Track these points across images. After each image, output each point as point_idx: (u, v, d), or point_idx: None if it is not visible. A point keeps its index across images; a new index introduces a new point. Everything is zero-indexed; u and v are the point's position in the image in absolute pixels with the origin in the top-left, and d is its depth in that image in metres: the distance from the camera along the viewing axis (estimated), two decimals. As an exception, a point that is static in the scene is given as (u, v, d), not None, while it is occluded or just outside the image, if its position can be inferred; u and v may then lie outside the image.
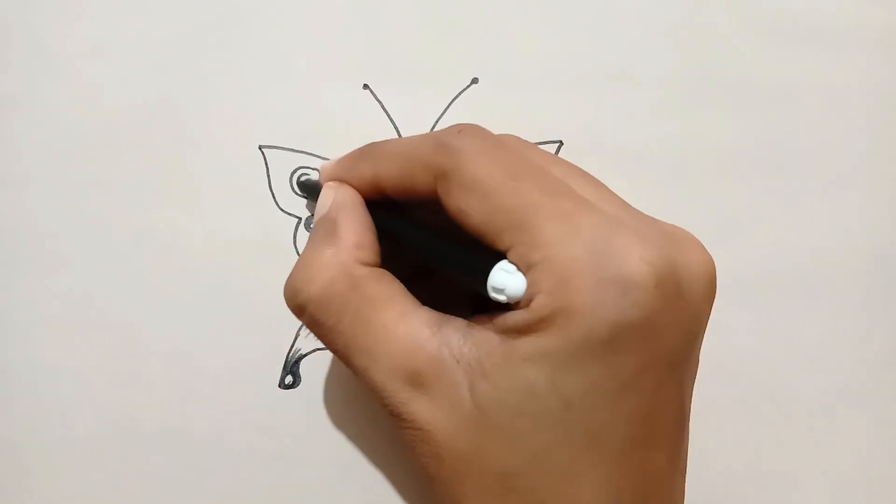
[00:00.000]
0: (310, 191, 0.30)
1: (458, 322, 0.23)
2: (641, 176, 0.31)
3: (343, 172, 0.26)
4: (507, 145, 0.24)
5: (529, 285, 0.21)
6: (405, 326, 0.22)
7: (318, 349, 0.31)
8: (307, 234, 0.31)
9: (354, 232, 0.24)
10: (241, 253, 0.31)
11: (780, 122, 0.31)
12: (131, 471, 0.31)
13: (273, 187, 0.31)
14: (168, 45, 0.30)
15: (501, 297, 0.21)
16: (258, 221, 0.31)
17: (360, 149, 0.27)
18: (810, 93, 0.31)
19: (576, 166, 0.25)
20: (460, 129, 0.24)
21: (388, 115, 0.31)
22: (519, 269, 0.21)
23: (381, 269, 0.24)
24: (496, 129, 0.31)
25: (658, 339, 0.21)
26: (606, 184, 0.31)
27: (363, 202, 0.26)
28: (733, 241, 0.32)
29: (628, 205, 0.24)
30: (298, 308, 0.24)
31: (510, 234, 0.21)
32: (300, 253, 0.31)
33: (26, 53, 0.30)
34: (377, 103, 0.31)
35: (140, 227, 0.31)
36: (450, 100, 0.31)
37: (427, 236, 0.24)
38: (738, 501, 0.31)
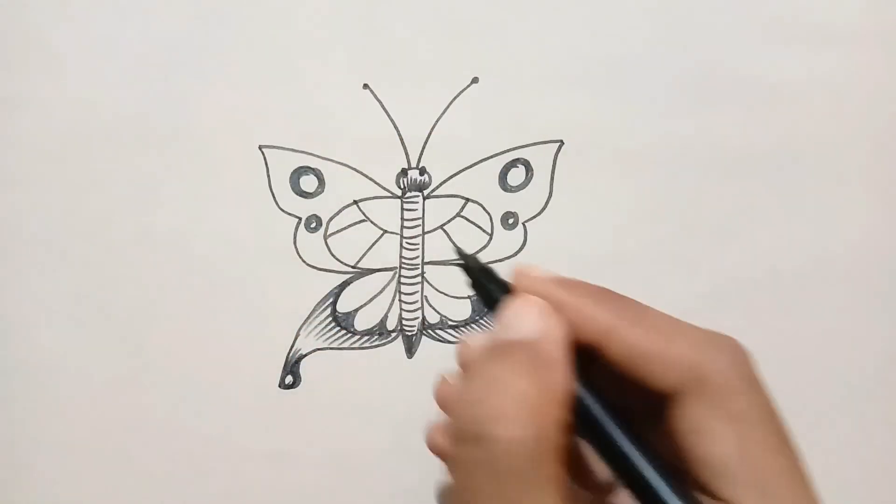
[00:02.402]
0: (472, 271, 0.23)
1: None
2: (642, 175, 0.31)
3: (565, 300, 0.21)
4: (769, 393, 0.21)
5: None
6: None
7: (319, 349, 0.31)
8: (307, 233, 0.31)
9: (565, 384, 0.20)
10: (241, 253, 0.31)
11: (782, 122, 0.31)
12: (131, 471, 0.31)
13: (273, 187, 0.31)
14: (168, 45, 0.30)
15: None
16: (258, 221, 0.31)
17: (595, 287, 0.22)
18: (812, 93, 0.31)
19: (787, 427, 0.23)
20: (738, 347, 0.21)
21: (389, 115, 0.31)
22: None
23: (563, 443, 0.20)
24: (496, 129, 0.31)
25: None
26: (607, 184, 0.31)
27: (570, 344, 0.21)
28: (734, 240, 0.31)
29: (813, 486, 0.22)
30: (475, 435, 0.19)
31: (748, 492, 0.19)
32: (301, 255, 0.31)
33: (26, 54, 0.30)
34: (377, 103, 0.31)
35: (140, 228, 0.31)
36: (450, 100, 0.31)
37: (629, 440, 0.20)
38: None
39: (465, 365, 0.22)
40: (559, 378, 0.20)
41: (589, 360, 0.21)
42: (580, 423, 0.20)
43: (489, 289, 0.22)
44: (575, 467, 0.22)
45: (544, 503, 0.19)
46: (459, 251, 0.23)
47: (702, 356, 0.20)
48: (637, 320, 0.21)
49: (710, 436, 0.19)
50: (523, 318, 0.21)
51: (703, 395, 0.20)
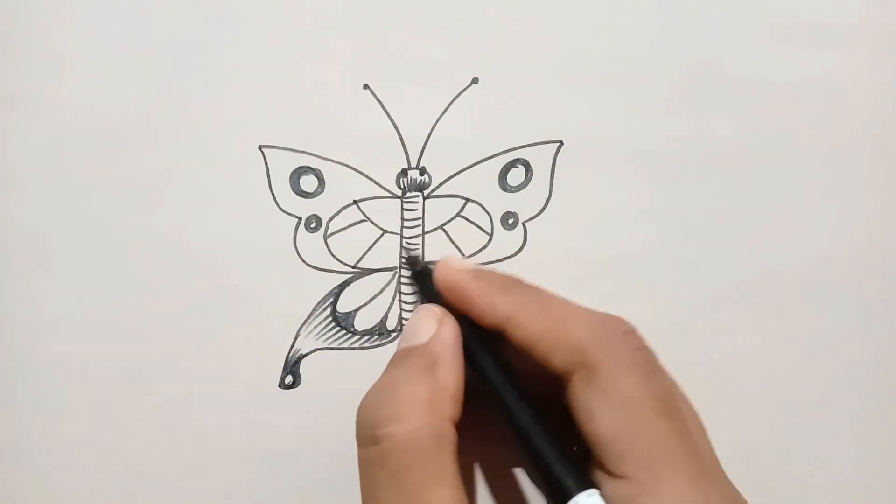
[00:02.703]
0: (418, 276, 0.26)
1: None
2: (642, 175, 0.31)
3: (473, 290, 0.23)
4: (661, 372, 0.23)
5: None
6: None
7: (319, 349, 0.31)
8: (307, 233, 0.31)
9: (455, 383, 0.22)
10: (241, 253, 0.31)
11: (782, 123, 0.31)
12: (131, 471, 0.31)
13: (273, 187, 0.31)
14: (168, 45, 0.30)
15: None
16: (258, 221, 0.31)
17: (502, 276, 0.25)
18: (812, 93, 0.31)
19: (692, 405, 0.24)
20: (626, 330, 0.23)
21: (388, 115, 0.31)
22: None
23: (456, 435, 0.22)
24: (496, 129, 0.31)
25: None
26: (607, 184, 0.31)
27: (462, 346, 0.23)
28: (734, 241, 0.31)
29: (719, 463, 0.23)
30: (372, 438, 0.21)
31: (633, 465, 0.20)
32: (301, 255, 0.31)
33: (26, 54, 0.30)
34: (377, 103, 0.31)
35: (140, 228, 0.31)
36: (450, 100, 0.31)
37: (527, 415, 0.22)
38: (739, 501, 0.31)
39: None
40: (448, 377, 0.22)
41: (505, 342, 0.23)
42: (495, 402, 0.22)
43: (425, 286, 0.25)
44: None
45: (442, 495, 0.20)
46: (409, 259, 0.27)
47: (590, 339, 0.22)
48: (536, 307, 0.23)
49: (597, 415, 0.21)
50: (418, 327, 0.23)
51: (591, 377, 0.21)
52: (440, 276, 0.24)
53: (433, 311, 0.24)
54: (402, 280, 0.31)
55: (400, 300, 0.32)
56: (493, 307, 0.23)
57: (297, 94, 0.31)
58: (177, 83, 0.30)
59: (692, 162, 0.31)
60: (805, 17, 0.31)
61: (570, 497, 0.20)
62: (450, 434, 0.21)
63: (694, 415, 0.24)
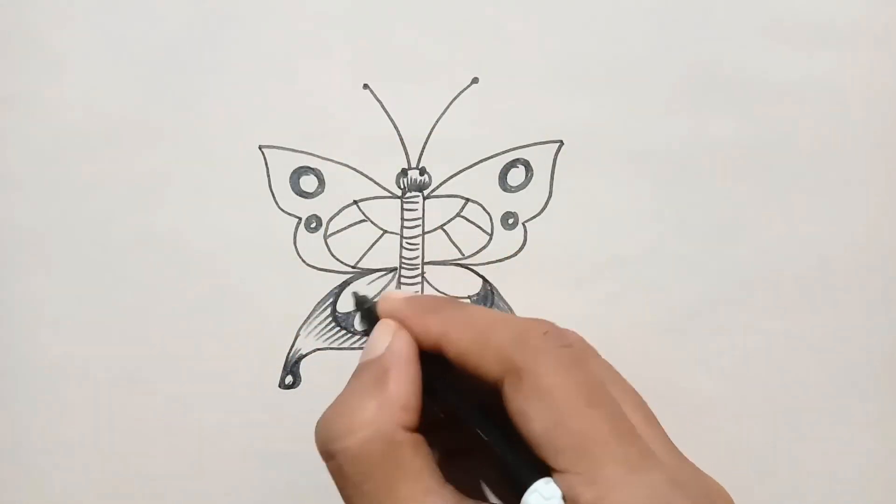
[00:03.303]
0: (365, 312, 0.28)
1: None
2: (642, 175, 0.31)
3: (407, 316, 0.25)
4: (587, 364, 0.24)
5: None
6: None
7: (319, 349, 0.31)
8: (307, 234, 0.31)
9: (405, 391, 0.23)
10: (241, 253, 0.31)
11: (782, 123, 0.31)
12: (131, 471, 0.31)
13: (273, 187, 0.31)
14: (168, 45, 0.30)
15: None
16: (258, 221, 0.31)
17: (434, 299, 0.27)
18: (812, 93, 0.31)
19: (632, 388, 0.25)
20: (546, 331, 0.24)
21: (388, 115, 0.31)
22: (562, 495, 0.21)
23: (419, 437, 0.23)
24: (496, 129, 0.31)
25: None
26: (607, 184, 0.31)
27: (417, 355, 0.24)
28: (734, 241, 0.31)
29: (674, 447, 0.24)
30: (328, 454, 0.23)
31: (568, 459, 0.21)
32: (301, 255, 0.31)
33: (26, 54, 0.30)
34: (377, 103, 0.31)
35: (140, 228, 0.31)
36: (450, 100, 0.31)
37: (477, 417, 0.23)
38: (739, 501, 0.31)
39: None
40: (398, 386, 0.23)
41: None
42: (435, 397, 0.24)
43: (373, 320, 0.26)
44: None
45: (410, 492, 0.21)
46: (355, 294, 0.29)
47: (512, 344, 0.23)
48: (462, 321, 0.24)
49: (529, 414, 0.22)
50: (375, 341, 0.25)
51: (518, 380, 0.22)
52: (381, 308, 0.26)
53: (388, 325, 0.25)
54: (403, 280, 0.32)
55: (400, 300, 0.32)
56: (426, 327, 0.24)
57: (297, 94, 0.31)
58: (177, 83, 0.30)
59: (692, 162, 0.31)
60: (805, 18, 0.31)
61: (525, 487, 0.21)
62: (402, 437, 0.22)
63: (635, 401, 0.24)
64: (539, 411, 0.22)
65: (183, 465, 0.31)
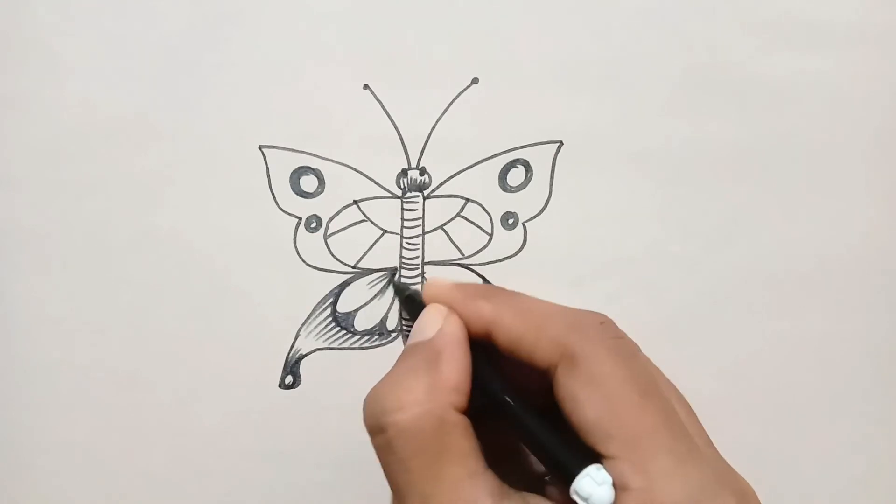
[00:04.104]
0: (408, 301, 0.28)
1: (520, 498, 0.23)
2: (641, 175, 0.31)
3: (456, 301, 0.25)
4: (638, 357, 0.24)
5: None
6: (470, 489, 0.22)
7: (319, 349, 0.31)
8: (307, 234, 0.31)
9: (457, 373, 0.23)
10: (241, 253, 0.31)
11: (782, 123, 0.31)
12: (131, 471, 0.31)
13: (273, 187, 0.31)
14: (168, 45, 0.30)
15: (583, 503, 0.21)
16: (258, 221, 0.31)
17: (482, 286, 0.27)
18: (812, 93, 0.31)
19: (673, 385, 0.25)
20: (602, 321, 0.24)
21: (388, 115, 0.31)
22: (613, 481, 0.21)
23: (467, 421, 0.24)
24: (496, 129, 0.31)
25: None
26: (607, 184, 0.31)
27: (468, 339, 0.25)
28: (734, 240, 0.32)
29: (713, 445, 0.24)
30: (378, 427, 0.23)
31: (619, 446, 0.21)
32: (301, 255, 0.31)
33: (26, 54, 0.30)
34: (377, 103, 0.31)
35: (140, 228, 0.31)
36: (450, 100, 0.31)
37: (523, 404, 0.23)
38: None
39: None
40: (450, 368, 0.23)
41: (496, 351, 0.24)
42: (482, 387, 0.24)
43: (414, 308, 0.26)
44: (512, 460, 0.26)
45: (455, 472, 0.22)
46: (394, 283, 0.29)
47: (566, 334, 0.23)
48: (515, 310, 0.24)
49: (581, 401, 0.22)
50: (425, 324, 0.25)
51: (573, 367, 0.22)
52: (428, 294, 0.26)
53: (439, 309, 0.25)
54: (403, 280, 0.31)
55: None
56: (478, 312, 0.25)
57: (297, 94, 0.31)
58: (177, 83, 0.30)
59: (692, 162, 0.31)
60: (805, 18, 0.31)
61: (575, 473, 0.21)
62: (453, 418, 0.23)
63: (679, 397, 0.25)
64: (593, 398, 0.22)
65: (183, 464, 0.31)
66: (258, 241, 0.31)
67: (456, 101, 0.31)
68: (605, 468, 0.21)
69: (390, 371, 0.24)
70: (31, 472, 0.31)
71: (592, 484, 0.21)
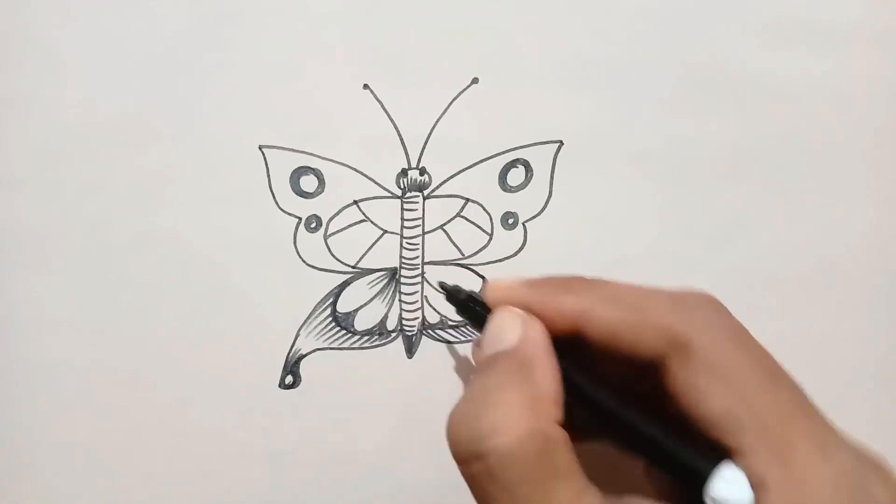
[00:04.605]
0: (459, 303, 0.25)
1: None
2: (642, 175, 0.31)
3: (534, 297, 0.22)
4: (755, 340, 0.22)
5: (761, 502, 0.19)
6: None
7: (319, 349, 0.31)
8: (307, 234, 0.31)
9: (552, 383, 0.21)
10: (241, 253, 0.31)
11: (782, 123, 0.31)
12: (131, 471, 0.31)
13: (273, 187, 0.31)
14: (168, 45, 0.30)
15: None
16: (258, 221, 0.31)
17: (561, 278, 0.24)
18: (812, 93, 0.31)
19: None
20: (708, 300, 0.22)
21: (388, 115, 0.31)
22: (746, 478, 0.19)
23: (566, 434, 0.21)
24: (496, 129, 0.31)
25: None
26: (607, 184, 0.31)
27: (552, 344, 0.22)
28: (734, 240, 0.32)
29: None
30: (474, 454, 0.20)
31: (753, 438, 0.19)
32: (301, 255, 0.31)
33: (26, 54, 0.30)
34: (377, 103, 0.31)
35: (140, 228, 0.31)
36: (450, 100, 0.31)
37: (629, 410, 0.21)
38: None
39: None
40: (545, 379, 0.21)
41: (579, 348, 0.21)
42: (582, 408, 0.21)
43: (476, 312, 0.23)
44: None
45: (565, 495, 0.19)
46: (443, 285, 0.26)
47: (674, 318, 0.21)
48: (608, 299, 0.22)
49: (704, 393, 0.20)
50: (503, 331, 0.22)
51: (686, 356, 0.20)
52: (492, 296, 0.23)
53: (516, 312, 0.22)
54: (402, 280, 0.32)
55: (400, 300, 0.32)
56: (561, 309, 0.22)
57: (297, 94, 0.31)
58: (177, 83, 0.30)
59: (692, 162, 0.31)
60: (805, 18, 0.31)
61: (705, 475, 0.19)
62: (557, 434, 0.20)
63: (796, 381, 0.22)
64: (718, 387, 0.20)
65: (183, 464, 0.31)
66: (258, 241, 0.31)
67: (456, 101, 0.31)
68: (737, 464, 0.19)
69: (473, 388, 0.21)
70: (31, 472, 0.31)
71: (725, 486, 0.19)
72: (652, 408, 0.21)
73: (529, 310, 0.22)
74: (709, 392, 0.20)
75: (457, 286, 0.25)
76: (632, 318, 0.21)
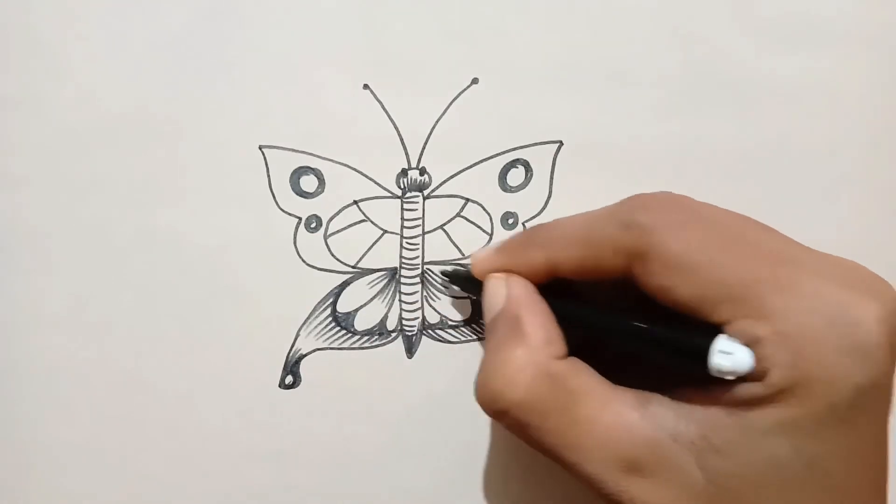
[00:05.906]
0: (461, 282, 0.29)
1: (663, 399, 0.22)
2: (641, 176, 0.31)
3: (507, 260, 0.26)
4: (700, 214, 0.23)
5: (759, 359, 0.20)
6: (610, 414, 0.22)
7: (319, 349, 0.31)
8: (307, 234, 0.31)
9: (542, 327, 0.24)
10: (241, 253, 0.31)
11: (781, 123, 0.31)
12: (132, 471, 0.31)
13: (273, 187, 0.31)
14: (168, 44, 0.30)
15: (728, 375, 0.20)
16: (258, 221, 0.31)
17: (523, 233, 0.27)
18: (810, 93, 0.31)
19: (747, 217, 0.25)
20: (644, 204, 0.24)
21: (388, 115, 0.31)
22: (741, 342, 0.21)
23: (574, 359, 0.24)
24: (496, 129, 0.31)
25: (889, 391, 0.21)
26: (607, 184, 0.31)
27: (537, 291, 0.25)
28: (733, 241, 0.31)
29: (807, 248, 0.23)
30: (500, 413, 0.23)
31: (728, 308, 0.21)
32: (301, 255, 0.31)
33: (26, 54, 0.30)
34: (377, 103, 0.31)
35: (140, 228, 0.31)
36: (450, 100, 0.31)
37: (620, 321, 0.23)
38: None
39: None
40: (532, 326, 0.24)
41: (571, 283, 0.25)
42: (567, 322, 0.24)
43: (477, 287, 0.27)
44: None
45: (591, 411, 0.22)
46: (444, 272, 0.30)
47: (623, 234, 0.23)
48: (566, 240, 0.25)
49: (672, 288, 0.22)
50: (491, 297, 0.25)
51: (645, 262, 0.22)
52: (476, 269, 0.27)
53: (497, 277, 0.26)
54: (403, 280, 0.32)
55: (400, 300, 0.32)
56: (531, 261, 0.25)
57: (297, 94, 0.31)
58: (177, 83, 0.30)
59: (692, 162, 0.31)
60: (804, 18, 0.31)
61: (704, 354, 0.21)
62: (560, 368, 0.23)
63: (731, 214, 0.24)
64: (679, 280, 0.21)
65: (183, 464, 0.31)
66: (258, 241, 0.31)
67: (456, 101, 0.31)
68: (729, 334, 0.21)
69: (484, 356, 0.24)
70: (31, 472, 0.31)
71: (723, 357, 0.20)
72: (654, 318, 0.23)
73: (509, 271, 0.25)
74: (675, 285, 0.21)
75: (455, 269, 0.29)
76: (588, 251, 0.24)
